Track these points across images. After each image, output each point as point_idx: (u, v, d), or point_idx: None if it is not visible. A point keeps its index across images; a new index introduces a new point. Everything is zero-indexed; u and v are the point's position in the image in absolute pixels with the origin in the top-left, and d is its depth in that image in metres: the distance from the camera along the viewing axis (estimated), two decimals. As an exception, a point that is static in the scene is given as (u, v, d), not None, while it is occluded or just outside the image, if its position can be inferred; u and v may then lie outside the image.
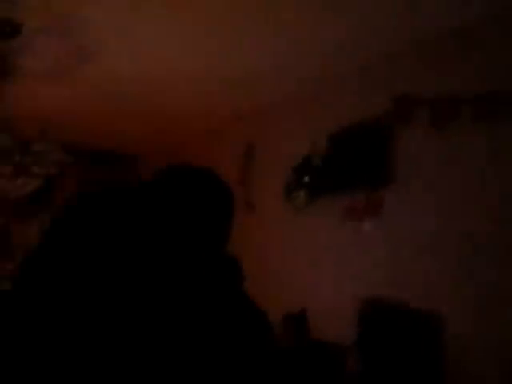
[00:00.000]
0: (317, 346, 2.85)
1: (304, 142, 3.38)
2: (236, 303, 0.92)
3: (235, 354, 0.85)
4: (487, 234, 2.36)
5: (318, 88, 3.38)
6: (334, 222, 3.15)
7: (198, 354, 0.82)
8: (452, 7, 2.43)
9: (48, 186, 3.08)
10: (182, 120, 4.22)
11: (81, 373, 0.76)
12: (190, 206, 0.93)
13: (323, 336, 2.91)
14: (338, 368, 2.75)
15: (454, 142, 2.57)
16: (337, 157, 3.08)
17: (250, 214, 3.88)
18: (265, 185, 3.82)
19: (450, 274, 2.50)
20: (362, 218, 2.94)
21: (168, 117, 4.15)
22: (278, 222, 3.64)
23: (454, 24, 2.56)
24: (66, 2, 2.42)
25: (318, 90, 3.39)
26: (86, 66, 3.10)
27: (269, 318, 0.96)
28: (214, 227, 0.95)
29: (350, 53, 2.93)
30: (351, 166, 2.99)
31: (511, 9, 2.39)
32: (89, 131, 4.26)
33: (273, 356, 0.92)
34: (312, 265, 3.28)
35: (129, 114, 4.10)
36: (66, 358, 0.76)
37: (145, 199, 0.92)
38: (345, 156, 3.03)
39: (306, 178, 3.33)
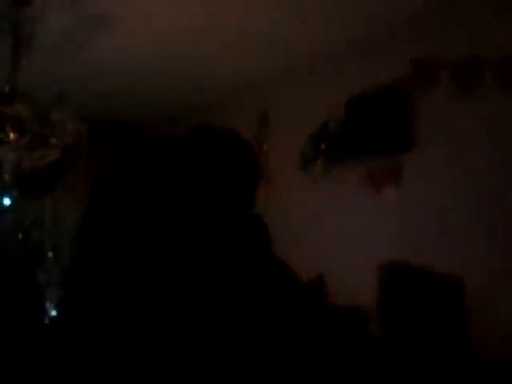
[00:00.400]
0: (337, 312, 2.85)
1: (321, 109, 3.32)
2: (269, 263, 0.91)
3: (272, 313, 0.84)
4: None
5: (334, 51, 3.31)
6: (352, 189, 3.12)
7: (236, 315, 0.81)
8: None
9: (64, 160, 3.06)
10: (194, 90, 4.17)
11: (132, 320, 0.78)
12: (220, 165, 0.93)
13: (344, 301, 2.91)
14: (359, 333, 2.76)
15: (479, 107, 2.51)
16: (355, 122, 3.03)
17: (266, 185, 3.86)
18: (281, 154, 3.78)
19: (473, 237, 2.47)
20: (381, 184, 2.90)
21: (181, 87, 4.10)
22: (295, 191, 3.62)
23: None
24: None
25: (335, 54, 3.32)
26: (98, 40, 3.06)
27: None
28: (243, 187, 0.96)
29: (368, 15, 2.85)
30: (370, 131, 2.95)
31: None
32: (103, 105, 4.23)
33: (310, 317, 0.92)
34: (332, 232, 3.26)
35: (142, 87, 4.06)
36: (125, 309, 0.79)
37: (177, 159, 0.92)
38: (364, 121, 2.98)
39: (323, 146, 3.29)
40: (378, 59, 3.02)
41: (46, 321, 2.44)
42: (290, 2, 2.75)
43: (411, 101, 2.79)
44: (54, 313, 2.58)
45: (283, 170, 3.72)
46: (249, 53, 3.42)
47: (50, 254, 3.07)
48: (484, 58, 2.45)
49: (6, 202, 2.82)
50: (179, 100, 4.40)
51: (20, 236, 3.18)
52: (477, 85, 2.50)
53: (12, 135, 2.35)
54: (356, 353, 2.49)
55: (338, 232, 3.23)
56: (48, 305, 2.59)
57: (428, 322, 2.36)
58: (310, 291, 1.00)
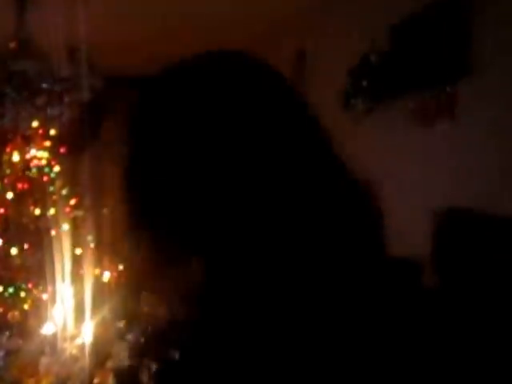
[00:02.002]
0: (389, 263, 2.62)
1: (361, 41, 2.98)
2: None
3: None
4: None
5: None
6: (400, 128, 2.82)
7: None
8: None
9: (94, 116, 2.90)
10: (224, 29, 3.87)
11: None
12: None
13: (396, 252, 2.67)
14: (414, 285, 2.54)
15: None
16: (401, 52, 2.69)
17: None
18: (319, 94, 3.47)
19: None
20: (433, 120, 2.58)
21: (209, 27, 3.81)
22: (336, 133, 3.33)
23: None
24: None
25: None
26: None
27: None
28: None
29: None
30: (418, 60, 2.60)
31: None
32: (121, 56, 3.99)
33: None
34: (379, 176, 2.99)
35: (163, 33, 3.79)
36: None
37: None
38: (410, 50, 2.63)
39: (365, 82, 2.97)
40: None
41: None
42: None
43: (465, 22, 2.42)
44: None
45: (323, 111, 3.43)
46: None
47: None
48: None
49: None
50: (207, 45, 4.11)
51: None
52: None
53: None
54: (410, 308, 2.28)
55: (387, 176, 2.95)
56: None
57: (493, 274, 2.11)
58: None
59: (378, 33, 2.84)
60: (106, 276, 2.90)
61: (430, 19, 2.54)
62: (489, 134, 2.38)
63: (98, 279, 2.60)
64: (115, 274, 2.96)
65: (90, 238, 2.97)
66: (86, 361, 2.05)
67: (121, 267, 3.02)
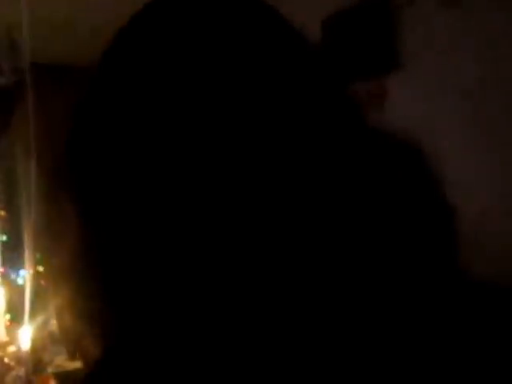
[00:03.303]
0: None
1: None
2: None
3: None
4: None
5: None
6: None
7: None
8: None
9: (5, 104, 2.64)
10: None
11: None
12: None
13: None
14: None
15: (468, 18, 2.30)
16: (331, 45, 2.77)
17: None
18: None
19: (468, 167, 2.33)
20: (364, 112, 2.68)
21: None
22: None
23: None
24: None
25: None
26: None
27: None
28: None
29: None
30: (348, 53, 2.69)
31: None
32: (54, 45, 3.69)
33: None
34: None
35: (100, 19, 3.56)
36: None
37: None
38: (341, 42, 2.72)
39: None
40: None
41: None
42: None
43: (393, 17, 2.54)
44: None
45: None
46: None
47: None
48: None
49: None
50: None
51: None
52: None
53: None
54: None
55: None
56: None
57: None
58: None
59: (311, 24, 2.89)
60: (23, 275, 2.68)
61: (359, 14, 2.64)
62: (416, 127, 2.52)
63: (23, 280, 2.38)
64: (33, 272, 2.74)
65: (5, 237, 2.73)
66: (23, 369, 1.86)
67: (40, 268, 2.80)
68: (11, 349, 1.93)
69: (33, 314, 2.06)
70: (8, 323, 2.20)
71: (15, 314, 2.26)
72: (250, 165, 0.43)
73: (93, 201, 0.47)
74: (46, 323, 2.21)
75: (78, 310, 0.53)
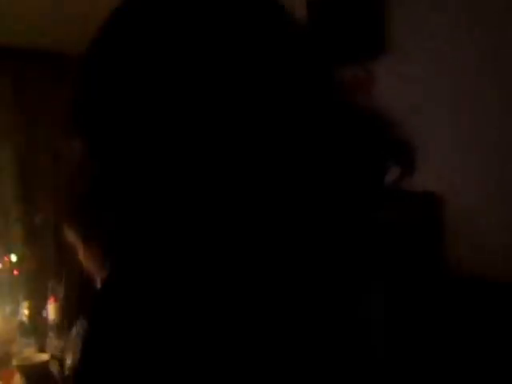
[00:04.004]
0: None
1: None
2: None
3: None
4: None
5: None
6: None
7: None
8: None
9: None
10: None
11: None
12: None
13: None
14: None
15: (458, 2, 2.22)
16: (318, 27, 2.67)
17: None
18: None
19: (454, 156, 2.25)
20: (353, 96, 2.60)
21: None
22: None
23: None
24: None
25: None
26: None
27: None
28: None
29: None
30: (334, 38, 2.60)
31: None
32: (26, 26, 3.57)
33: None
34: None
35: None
36: None
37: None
38: (327, 27, 2.62)
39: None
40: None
41: None
42: None
43: (380, 1, 2.45)
44: None
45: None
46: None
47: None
48: None
49: None
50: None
51: None
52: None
53: None
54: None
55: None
56: None
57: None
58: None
59: (297, 6, 2.80)
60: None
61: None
62: (403, 112, 2.43)
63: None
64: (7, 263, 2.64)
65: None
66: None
67: (13, 257, 2.71)
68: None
69: (3, 304, 1.98)
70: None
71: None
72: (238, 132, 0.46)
73: (100, 139, 0.50)
74: (14, 314, 2.13)
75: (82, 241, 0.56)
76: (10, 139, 2.98)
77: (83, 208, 0.54)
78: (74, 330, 1.83)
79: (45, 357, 1.88)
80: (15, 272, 2.60)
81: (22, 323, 2.13)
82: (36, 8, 3.40)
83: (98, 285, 0.54)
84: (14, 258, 2.66)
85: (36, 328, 2.12)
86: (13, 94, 2.99)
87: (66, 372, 1.81)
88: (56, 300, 2.17)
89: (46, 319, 2.14)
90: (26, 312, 2.16)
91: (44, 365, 1.82)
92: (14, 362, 1.81)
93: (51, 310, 2.14)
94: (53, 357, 1.91)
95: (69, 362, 1.80)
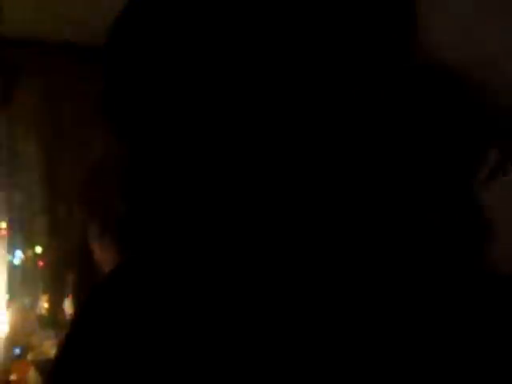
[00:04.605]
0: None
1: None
2: None
3: None
4: None
5: None
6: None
7: None
8: None
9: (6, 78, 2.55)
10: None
11: None
12: None
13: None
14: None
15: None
16: None
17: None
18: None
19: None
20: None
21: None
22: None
23: None
24: None
25: None
26: None
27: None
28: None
29: None
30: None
31: None
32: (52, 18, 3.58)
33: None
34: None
35: None
36: None
37: None
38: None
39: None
40: None
41: None
42: None
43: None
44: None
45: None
46: None
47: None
48: None
49: None
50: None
51: None
52: None
53: None
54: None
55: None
56: None
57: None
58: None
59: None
60: (18, 257, 2.58)
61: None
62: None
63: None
64: (31, 255, 2.64)
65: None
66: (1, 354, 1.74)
67: (38, 249, 2.70)
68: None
69: (23, 296, 1.95)
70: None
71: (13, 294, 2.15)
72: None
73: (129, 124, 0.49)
74: (34, 306, 2.10)
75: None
76: (35, 131, 2.97)
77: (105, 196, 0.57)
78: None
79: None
80: (40, 263, 2.58)
81: (41, 316, 2.10)
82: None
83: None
84: (38, 249, 2.65)
85: (55, 321, 2.08)
86: (41, 87, 2.99)
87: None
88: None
89: (65, 313, 2.10)
90: (46, 305, 2.12)
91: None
92: (30, 357, 1.77)
93: (70, 304, 2.09)
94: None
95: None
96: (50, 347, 1.96)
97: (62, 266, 2.48)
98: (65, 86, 2.93)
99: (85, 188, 2.67)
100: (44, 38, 3.06)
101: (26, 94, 2.84)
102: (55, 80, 2.98)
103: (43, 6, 3.39)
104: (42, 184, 2.77)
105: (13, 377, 1.68)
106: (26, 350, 1.89)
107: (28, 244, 2.55)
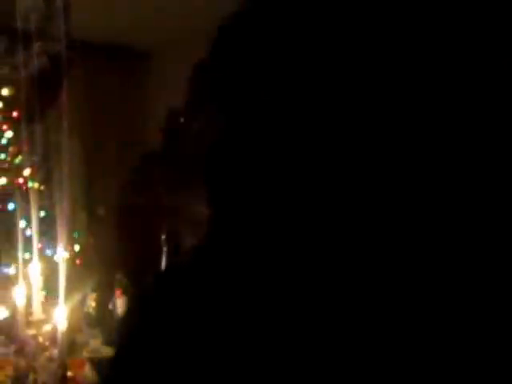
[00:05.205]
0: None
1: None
2: None
3: None
4: None
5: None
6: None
7: None
8: None
9: (54, 79, 2.56)
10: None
11: None
12: None
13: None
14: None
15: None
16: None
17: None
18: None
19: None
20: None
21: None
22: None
23: None
24: None
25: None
26: None
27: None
28: None
29: None
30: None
31: None
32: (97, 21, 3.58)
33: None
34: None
35: None
36: None
37: None
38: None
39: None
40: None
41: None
42: None
43: None
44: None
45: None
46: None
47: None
48: None
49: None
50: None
51: None
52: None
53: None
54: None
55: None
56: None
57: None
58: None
59: None
60: (61, 255, 2.59)
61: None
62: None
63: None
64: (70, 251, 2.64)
65: (44, 213, 2.63)
66: (57, 350, 1.75)
67: (77, 247, 2.70)
68: (46, 328, 1.82)
69: (68, 294, 1.95)
70: (44, 300, 2.09)
71: (51, 291, 2.16)
72: None
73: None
74: (81, 304, 2.11)
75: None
76: (78, 131, 3.00)
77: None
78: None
79: (112, 350, 1.85)
80: (77, 261, 2.60)
81: (88, 314, 2.11)
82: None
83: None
84: (77, 248, 2.66)
85: (102, 320, 2.10)
86: (83, 88, 3.01)
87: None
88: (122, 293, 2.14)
89: (112, 312, 2.12)
90: (93, 303, 2.14)
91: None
92: (85, 354, 1.78)
93: (118, 303, 2.11)
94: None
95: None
96: (98, 345, 1.98)
97: (105, 266, 2.50)
98: (107, 88, 2.96)
99: (134, 175, 2.67)
100: (89, 39, 3.08)
101: (72, 92, 2.86)
102: (100, 80, 3.00)
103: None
104: (84, 182, 2.79)
105: (70, 373, 1.70)
106: (75, 346, 1.91)
107: (69, 242, 2.57)
